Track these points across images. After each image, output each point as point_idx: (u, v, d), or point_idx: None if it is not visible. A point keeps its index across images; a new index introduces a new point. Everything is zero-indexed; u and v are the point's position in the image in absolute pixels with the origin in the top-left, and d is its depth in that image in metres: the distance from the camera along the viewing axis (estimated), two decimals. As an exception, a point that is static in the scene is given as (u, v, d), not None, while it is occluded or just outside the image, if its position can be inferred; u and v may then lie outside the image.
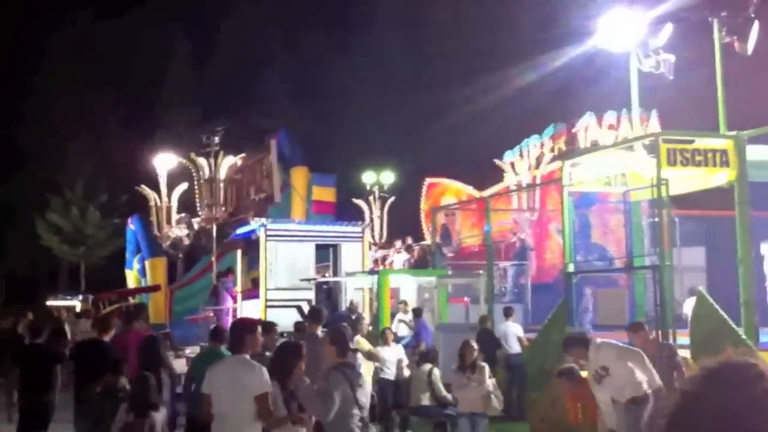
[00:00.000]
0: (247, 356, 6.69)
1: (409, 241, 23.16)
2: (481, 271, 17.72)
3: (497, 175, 23.64)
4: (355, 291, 19.69)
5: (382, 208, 27.33)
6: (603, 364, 8.50)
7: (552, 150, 21.80)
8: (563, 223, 13.42)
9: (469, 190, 24.55)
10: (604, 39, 15.32)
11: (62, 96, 44.55)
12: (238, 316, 18.14)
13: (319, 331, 10.22)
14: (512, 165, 23.08)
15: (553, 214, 19.80)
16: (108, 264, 41.64)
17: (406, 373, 13.44)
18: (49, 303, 37.75)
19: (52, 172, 43.55)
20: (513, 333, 15.52)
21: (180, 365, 16.64)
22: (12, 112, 44.85)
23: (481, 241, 20.58)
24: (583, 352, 8.62)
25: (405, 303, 17.96)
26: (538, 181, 21.94)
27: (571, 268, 13.07)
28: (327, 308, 16.84)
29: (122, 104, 44.02)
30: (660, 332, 11.15)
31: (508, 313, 15.97)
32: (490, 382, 10.49)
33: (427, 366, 12.86)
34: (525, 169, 22.64)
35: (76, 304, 35.86)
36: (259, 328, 7.11)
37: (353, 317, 15.64)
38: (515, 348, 15.33)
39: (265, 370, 6.59)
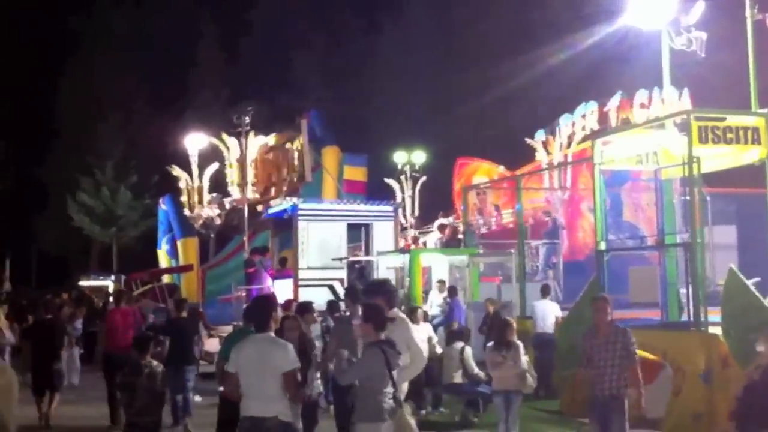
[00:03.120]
0: (272, 333, 6.79)
1: (442, 220, 23.24)
2: (512, 250, 17.78)
3: (529, 154, 23.60)
4: (387, 270, 19.80)
5: (413, 188, 27.42)
6: None
7: (583, 129, 21.75)
8: (595, 202, 13.44)
9: (500, 170, 24.56)
10: (636, 17, 15.27)
11: (92, 78, 44.88)
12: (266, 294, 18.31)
13: (358, 310, 10.29)
14: (544, 144, 23.04)
15: (585, 192, 19.80)
16: (139, 244, 42.01)
17: (438, 351, 13.54)
18: (82, 284, 38.20)
19: (82, 154, 43.90)
20: (551, 311, 15.50)
21: (213, 344, 16.94)
22: (43, 94, 45.27)
23: (513, 220, 20.63)
24: None
25: (443, 282, 18.01)
26: (569, 159, 21.90)
27: (602, 246, 13.11)
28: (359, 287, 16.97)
29: (152, 85, 44.26)
30: (691, 309, 11.22)
31: (545, 291, 15.96)
32: (524, 360, 10.58)
33: (459, 344, 12.98)
34: (556, 148, 22.59)
35: (108, 284, 36.22)
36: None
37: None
38: (550, 327, 15.31)
39: (291, 347, 6.72)
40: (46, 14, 45.77)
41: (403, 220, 24.51)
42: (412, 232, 24.42)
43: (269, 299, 7.61)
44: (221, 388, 8.34)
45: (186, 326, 13.16)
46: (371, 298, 7.38)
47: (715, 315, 11.49)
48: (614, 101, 21.00)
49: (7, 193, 44.49)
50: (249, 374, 6.59)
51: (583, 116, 21.84)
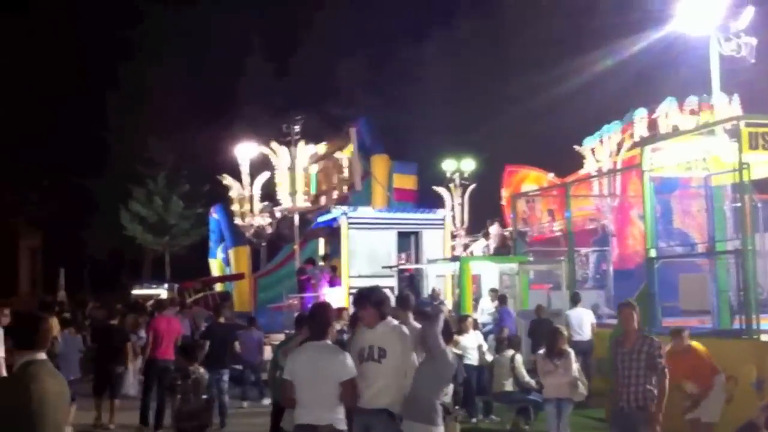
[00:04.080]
0: (329, 341, 6.68)
1: (491, 228, 23.25)
2: (562, 258, 17.79)
3: (577, 161, 23.55)
4: (437, 278, 19.89)
5: (462, 196, 27.49)
6: None
7: (632, 135, 21.67)
8: (645, 209, 13.43)
9: (549, 177, 24.53)
10: (684, 23, 15.24)
11: (144, 89, 45.57)
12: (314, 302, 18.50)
13: (410, 317, 10.28)
14: (592, 151, 23.00)
15: (634, 199, 19.73)
16: (191, 253, 42.52)
17: (489, 358, 13.62)
18: (134, 292, 38.78)
19: (134, 164, 44.56)
20: (587, 319, 15.49)
21: (266, 352, 17.17)
22: (96, 106, 46.00)
23: (562, 227, 20.63)
24: None
25: (494, 291, 18.06)
26: (618, 166, 21.83)
27: (653, 253, 13.09)
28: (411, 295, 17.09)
29: (203, 95, 44.78)
30: (744, 317, 11.17)
31: (576, 299, 15.96)
32: (575, 368, 10.61)
33: (510, 352, 13.05)
34: (605, 155, 22.53)
35: (161, 292, 36.64)
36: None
37: (435, 304, 15.87)
38: (587, 334, 15.31)
39: (348, 355, 6.61)
40: (98, 26, 46.58)
41: (452, 228, 24.57)
42: (461, 240, 24.49)
43: (327, 307, 7.58)
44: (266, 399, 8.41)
45: (223, 331, 13.48)
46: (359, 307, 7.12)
47: (766, 323, 11.43)
48: (663, 108, 20.91)
49: (62, 203, 45.30)
50: (304, 382, 6.52)
51: (632, 123, 21.77)
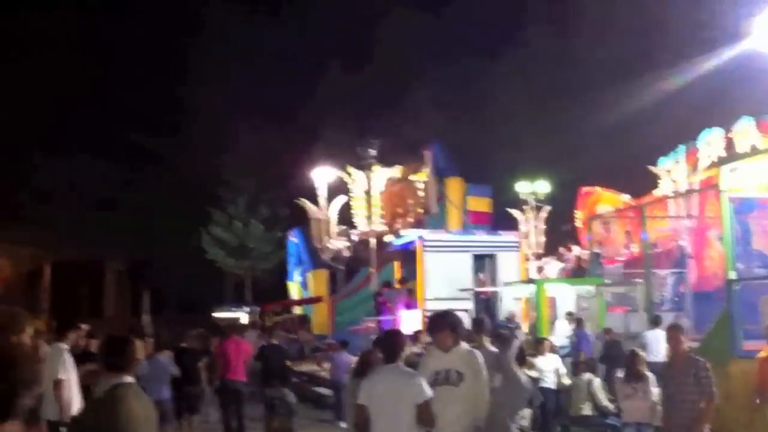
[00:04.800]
0: (402, 364, 6.63)
1: (566, 250, 23.18)
2: (639, 280, 17.67)
3: (652, 181, 23.31)
4: (513, 301, 19.93)
5: (537, 218, 27.42)
6: None
7: (708, 155, 21.40)
8: (723, 230, 13.28)
9: (624, 198, 24.34)
10: (760, 40, 15.08)
11: (223, 113, 46.43)
12: (397, 327, 18.71)
13: (487, 341, 10.27)
14: (668, 171, 22.76)
15: (712, 220, 19.47)
16: (271, 276, 43.11)
17: (566, 382, 13.62)
18: (216, 315, 39.51)
19: (215, 188, 45.42)
20: (663, 341, 15.33)
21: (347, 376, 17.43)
22: (177, 131, 47.03)
23: (639, 250, 20.45)
24: None
25: (571, 314, 18.02)
26: (695, 187, 21.56)
27: (732, 275, 12.94)
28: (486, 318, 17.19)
29: (282, 120, 45.40)
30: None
31: (657, 321, 15.82)
32: (655, 392, 10.57)
33: (587, 375, 13.04)
34: (681, 175, 22.28)
35: (242, 315, 37.24)
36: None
37: (510, 327, 15.96)
38: (662, 356, 15.16)
39: (423, 377, 6.58)
40: (172, 51, 47.79)
41: (527, 251, 24.55)
42: (535, 263, 24.45)
43: (399, 331, 7.63)
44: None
45: (274, 353, 13.83)
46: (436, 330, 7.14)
47: None
48: (740, 127, 20.61)
49: (145, 227, 46.39)
50: (379, 406, 6.46)
51: (708, 142, 21.49)
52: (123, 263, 50.37)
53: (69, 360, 9.59)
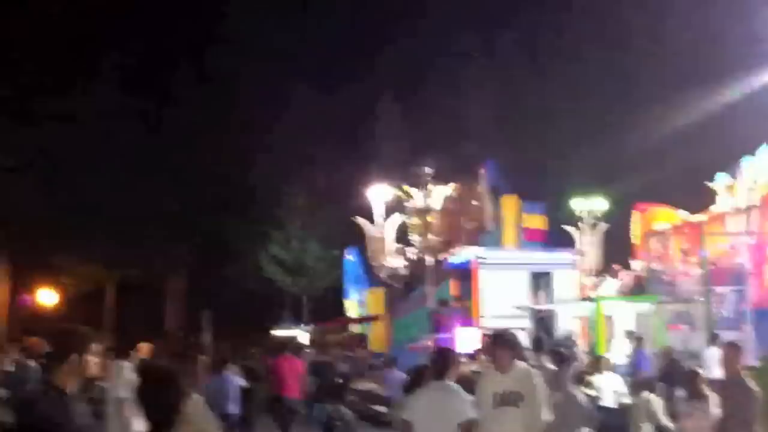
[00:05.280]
0: (451, 382, 6.69)
1: (621, 267, 22.98)
2: (698, 297, 17.49)
3: (709, 197, 23.01)
4: (569, 319, 19.86)
5: (592, 235, 27.25)
6: None
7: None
8: (783, 247, 13.16)
9: (681, 215, 24.07)
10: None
11: (281, 132, 46.89)
12: (453, 345, 18.76)
13: (545, 360, 10.22)
14: (726, 187, 22.46)
15: (773, 237, 19.21)
16: (328, 294, 43.37)
17: (625, 401, 13.55)
18: (274, 333, 39.83)
19: (272, 207, 45.89)
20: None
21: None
22: (235, 151, 47.60)
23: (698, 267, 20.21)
24: None
25: (630, 333, 17.88)
26: (755, 203, 21.22)
27: (793, 293, 12.81)
28: (544, 336, 17.21)
29: (336, 138, 45.71)
30: None
31: (716, 339, 15.62)
32: (716, 412, 10.47)
33: (646, 394, 12.96)
34: (740, 191, 21.96)
35: (299, 333, 37.50)
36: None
37: (569, 346, 15.91)
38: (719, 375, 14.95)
39: (470, 396, 6.63)
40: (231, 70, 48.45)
41: (583, 268, 24.40)
42: (592, 280, 24.29)
43: (450, 349, 7.68)
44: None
45: (323, 369, 14.00)
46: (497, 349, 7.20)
47: None
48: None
49: (205, 247, 47.08)
50: (423, 422, 6.51)
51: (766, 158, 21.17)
52: (184, 282, 51.09)
53: (130, 376, 9.82)
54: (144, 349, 11.75)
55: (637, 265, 23.19)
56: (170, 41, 49.08)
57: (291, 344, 16.25)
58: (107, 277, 47.63)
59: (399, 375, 17.38)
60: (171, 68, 49.03)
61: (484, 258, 23.01)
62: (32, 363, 16.57)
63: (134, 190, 44.63)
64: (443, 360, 6.89)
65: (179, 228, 46.27)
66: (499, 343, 7.10)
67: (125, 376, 9.78)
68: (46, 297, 47.31)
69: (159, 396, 4.20)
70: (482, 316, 21.70)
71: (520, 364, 7.07)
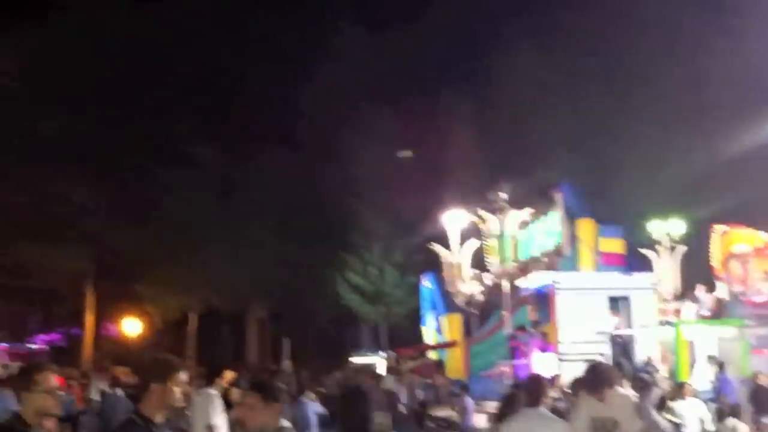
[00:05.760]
0: (543, 409, 6.70)
1: (700, 291, 22.60)
2: (782, 321, 17.17)
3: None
4: (649, 344, 19.64)
5: (671, 258, 26.82)
6: None
7: None
8: None
9: (762, 236, 23.56)
10: None
11: (358, 162, 47.33)
12: (532, 371, 18.70)
13: (626, 386, 10.12)
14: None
15: None
16: (406, 321, 43.45)
17: (710, 428, 13.34)
18: (353, 360, 40.07)
19: (350, 235, 46.27)
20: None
21: (480, 420, 17.54)
22: (312, 179, 48.21)
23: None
24: None
25: (713, 357, 17.60)
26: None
27: None
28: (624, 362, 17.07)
29: (414, 164, 45.94)
30: None
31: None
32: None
33: (732, 421, 12.75)
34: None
35: (377, 360, 37.59)
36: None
37: (649, 371, 15.76)
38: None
39: (563, 422, 6.70)
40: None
41: (662, 292, 24.05)
42: (671, 305, 23.93)
43: (541, 376, 7.66)
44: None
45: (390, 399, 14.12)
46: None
47: None
48: None
49: (285, 275, 47.64)
50: None
51: None
52: (264, 310, 51.86)
53: (219, 405, 10.05)
54: (228, 377, 11.99)
55: (718, 288, 22.80)
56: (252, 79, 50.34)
57: (365, 372, 16.42)
58: (190, 305, 48.60)
59: (468, 402, 17.47)
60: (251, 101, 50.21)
61: (561, 283, 22.90)
62: (119, 392, 17.16)
63: (216, 219, 45.63)
64: (536, 387, 6.94)
65: (260, 257, 46.97)
66: (597, 380, 7.09)
67: (212, 404, 9.99)
68: (131, 326, 48.54)
69: (356, 410, 5.01)
70: (560, 342, 21.57)
71: (616, 390, 7.10)
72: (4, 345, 35.68)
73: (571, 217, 26.93)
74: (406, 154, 47.97)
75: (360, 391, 5.04)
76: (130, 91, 44.54)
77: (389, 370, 27.63)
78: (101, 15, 43.78)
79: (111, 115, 43.94)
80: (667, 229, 26.67)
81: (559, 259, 26.37)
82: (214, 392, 10.27)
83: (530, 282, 25.09)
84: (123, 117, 44.16)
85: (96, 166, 44.34)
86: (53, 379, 5.15)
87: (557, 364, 20.51)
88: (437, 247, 30.79)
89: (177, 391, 4.95)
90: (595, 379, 7.15)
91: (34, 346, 43.31)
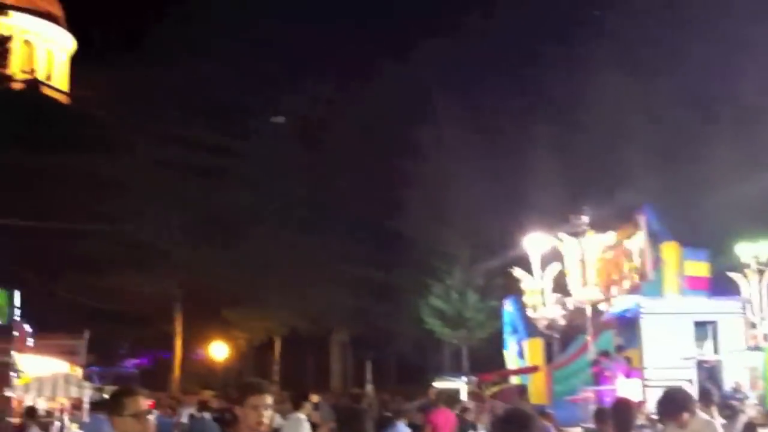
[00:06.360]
0: None
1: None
2: None
3: None
4: (737, 369, 19.26)
5: (760, 281, 26.23)
6: None
7: None
8: None
9: None
10: None
11: (439, 187, 47.53)
12: (618, 396, 18.50)
13: (715, 414, 9.99)
14: None
15: None
16: (487, 345, 43.30)
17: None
18: (435, 384, 40.01)
19: (431, 259, 46.40)
20: None
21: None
22: (394, 203, 48.58)
23: None
24: None
25: None
26: None
27: None
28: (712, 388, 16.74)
29: (495, 188, 45.88)
30: None
31: None
32: None
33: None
34: None
35: (460, 385, 37.40)
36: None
37: (738, 397, 15.48)
38: None
39: None
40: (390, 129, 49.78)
41: (751, 317, 23.54)
42: (761, 329, 23.39)
43: (630, 403, 7.64)
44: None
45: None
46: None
47: None
48: None
49: (368, 299, 47.99)
50: None
51: None
52: (347, 335, 52.29)
53: (307, 429, 10.27)
54: (313, 400, 12.20)
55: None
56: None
57: (444, 396, 16.46)
58: (275, 329, 49.29)
59: (546, 427, 17.35)
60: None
61: (646, 307, 22.62)
62: (207, 416, 17.61)
63: (301, 245, 46.37)
64: (627, 413, 7.06)
65: (344, 281, 47.46)
66: (676, 407, 7.07)
67: (301, 428, 10.19)
68: (218, 350, 49.46)
69: None
70: (645, 367, 21.29)
71: (699, 417, 7.10)
72: (96, 368, 36.67)
73: (654, 240, 26.55)
74: (278, 119, 48.50)
75: (525, 416, 4.95)
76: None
77: (471, 395, 27.63)
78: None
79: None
80: (755, 251, 26.11)
81: (642, 282, 26.04)
82: (302, 416, 10.48)
83: (613, 306, 24.82)
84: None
85: (183, 195, 45.62)
86: (143, 403, 5.25)
87: (642, 390, 20.22)
88: (518, 272, 30.69)
89: (264, 414, 5.07)
90: (671, 405, 7.14)
91: (125, 370, 44.45)
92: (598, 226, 27.40)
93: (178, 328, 48.19)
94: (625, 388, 20.49)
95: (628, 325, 23.04)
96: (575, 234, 26.61)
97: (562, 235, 28.01)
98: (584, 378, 23.50)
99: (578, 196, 32.54)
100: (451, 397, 17.70)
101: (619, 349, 23.29)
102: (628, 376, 21.54)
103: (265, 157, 48.00)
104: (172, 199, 45.35)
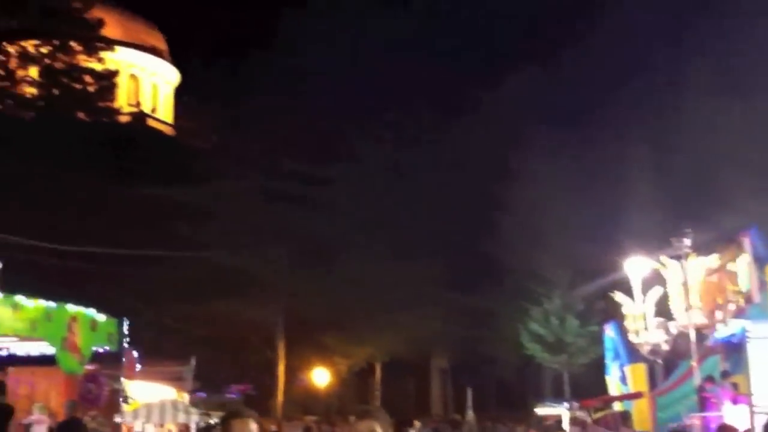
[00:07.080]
0: None
1: None
2: None
3: None
4: None
5: None
6: None
7: None
8: None
9: None
10: None
11: (534, 212, 47.38)
12: (723, 423, 18.18)
13: None
14: None
15: None
16: (589, 371, 42.79)
17: None
18: (537, 410, 39.72)
19: (530, 284, 46.17)
20: None
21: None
22: (491, 229, 48.58)
23: None
24: None
25: None
26: None
27: None
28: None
29: (591, 214, 45.51)
30: None
31: None
32: None
33: None
34: None
35: (561, 411, 37.08)
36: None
37: None
38: None
39: None
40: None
41: None
42: None
43: (735, 430, 7.60)
44: None
45: None
46: None
47: None
48: None
49: (467, 325, 47.99)
50: None
51: None
52: (446, 360, 52.36)
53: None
54: (415, 425, 12.45)
55: None
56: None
57: (540, 423, 16.50)
58: (375, 356, 49.69)
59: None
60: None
61: (752, 331, 22.09)
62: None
63: (399, 272, 46.73)
64: None
65: (442, 308, 47.61)
66: None
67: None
68: (320, 376, 50.10)
69: None
70: (752, 393, 20.78)
71: None
72: (202, 394, 37.64)
73: (759, 262, 25.98)
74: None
75: None
76: None
77: (573, 421, 27.37)
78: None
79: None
80: None
81: (748, 306, 25.47)
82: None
83: (719, 331, 24.34)
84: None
85: (285, 223, 46.57)
86: (252, 426, 5.38)
87: (749, 417, 19.76)
88: (619, 296, 30.36)
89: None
90: None
91: (228, 396, 45.42)
92: (701, 249, 26.95)
93: (281, 353, 49.01)
94: (731, 414, 20.09)
95: (734, 349, 22.54)
96: (677, 257, 26.19)
97: (663, 258, 27.63)
98: (689, 404, 23.08)
99: (679, 218, 32.00)
100: (548, 423, 17.66)
101: (725, 374, 22.80)
102: (734, 402, 21.10)
103: (364, 184, 48.65)
104: (275, 227, 46.34)
